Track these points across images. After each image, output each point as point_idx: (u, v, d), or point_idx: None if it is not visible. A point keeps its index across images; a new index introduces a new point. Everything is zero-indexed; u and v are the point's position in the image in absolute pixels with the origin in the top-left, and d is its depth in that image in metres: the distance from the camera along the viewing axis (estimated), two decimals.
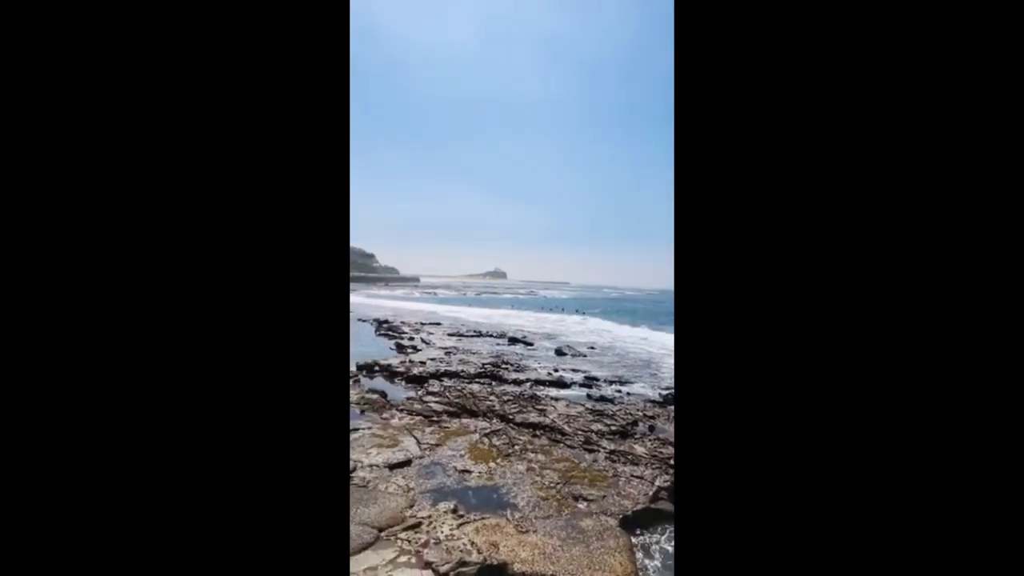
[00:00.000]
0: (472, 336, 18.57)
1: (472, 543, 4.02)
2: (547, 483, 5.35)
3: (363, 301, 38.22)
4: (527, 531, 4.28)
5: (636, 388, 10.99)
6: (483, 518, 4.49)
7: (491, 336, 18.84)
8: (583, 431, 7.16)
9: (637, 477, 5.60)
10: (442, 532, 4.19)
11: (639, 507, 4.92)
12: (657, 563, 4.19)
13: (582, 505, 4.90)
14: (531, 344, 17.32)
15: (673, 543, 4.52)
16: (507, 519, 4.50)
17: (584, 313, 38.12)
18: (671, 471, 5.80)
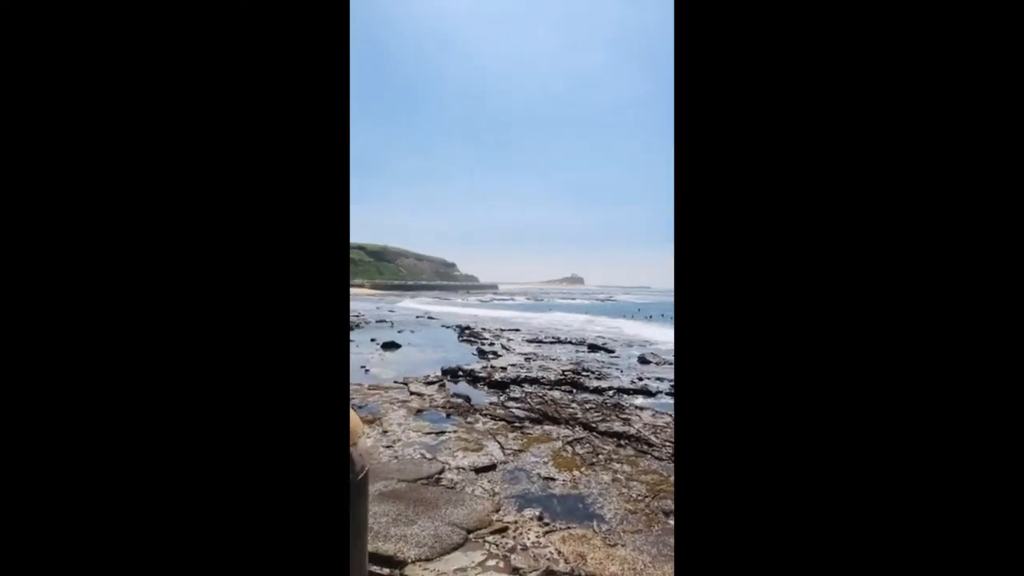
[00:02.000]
0: (551, 343, 18.54)
1: (559, 552, 3.99)
2: (634, 496, 5.16)
3: (446, 309, 39.82)
4: (615, 545, 4.15)
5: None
6: (569, 527, 4.43)
7: (570, 343, 18.67)
8: (671, 443, 6.81)
9: None
10: (528, 539, 4.20)
11: None
12: None
13: (672, 521, 4.65)
14: (612, 351, 16.89)
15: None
16: (594, 530, 4.40)
17: (667, 318, 36.40)
18: None
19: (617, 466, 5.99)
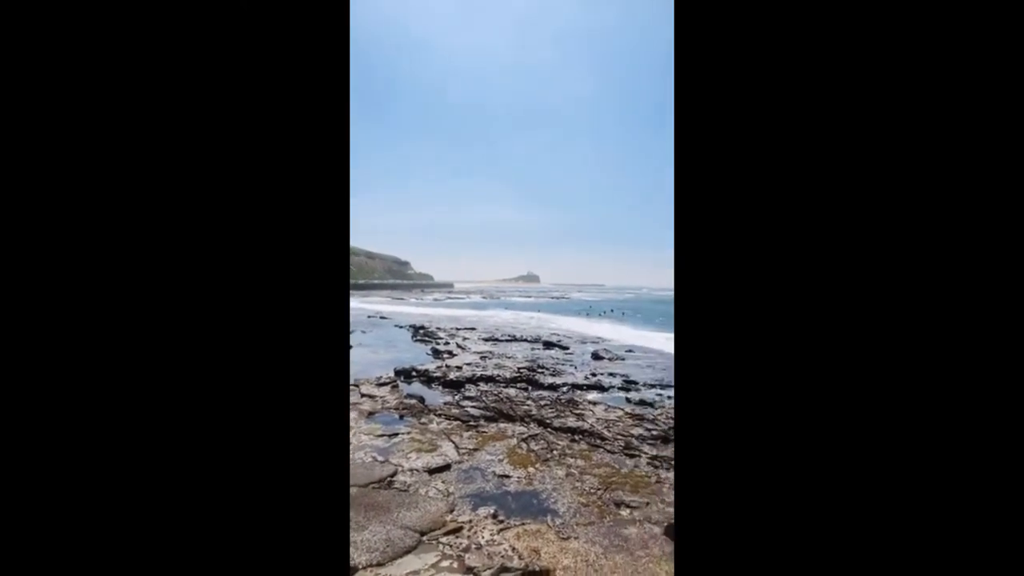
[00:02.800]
0: (507, 341, 18.59)
1: (513, 549, 3.99)
2: (587, 489, 5.26)
3: (399, 309, 39.02)
4: (568, 538, 4.21)
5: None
6: (524, 524, 4.44)
7: (526, 340, 18.80)
8: (623, 436, 7.01)
9: None
10: (483, 537, 4.18)
11: None
12: None
13: (624, 512, 4.78)
14: (567, 348, 17.16)
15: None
16: (548, 525, 4.44)
17: (620, 314, 37.52)
18: None
19: (571, 460, 6.08)
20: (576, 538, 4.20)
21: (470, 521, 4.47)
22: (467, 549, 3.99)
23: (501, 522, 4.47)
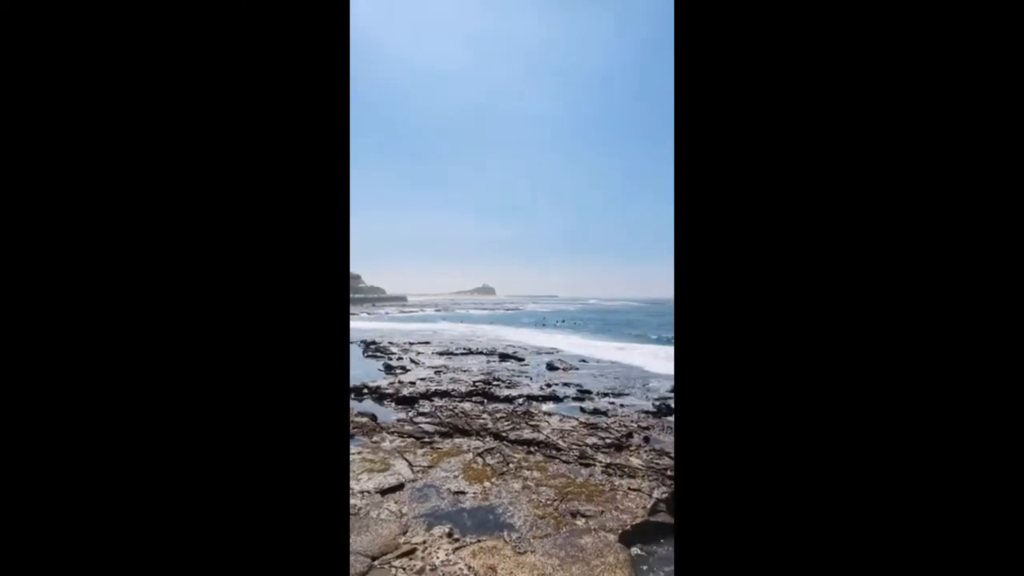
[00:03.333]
0: (462, 354, 18.40)
1: (469, 567, 3.90)
2: (544, 501, 5.25)
3: (350, 324, 37.68)
4: (525, 552, 4.17)
5: (629, 400, 10.94)
6: (479, 541, 4.36)
7: (481, 353, 18.69)
8: (578, 445, 7.07)
9: (634, 490, 5.52)
10: (438, 558, 4.06)
11: (638, 520, 4.83)
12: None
13: (580, 522, 4.80)
14: (522, 360, 17.21)
15: (673, 554, 4.44)
16: (504, 540, 4.38)
17: (572, 325, 38.18)
18: (668, 482, 5.73)
19: (527, 473, 6.06)
20: (533, 552, 4.17)
21: (424, 542, 4.33)
22: (421, 571, 3.86)
23: (456, 540, 4.36)
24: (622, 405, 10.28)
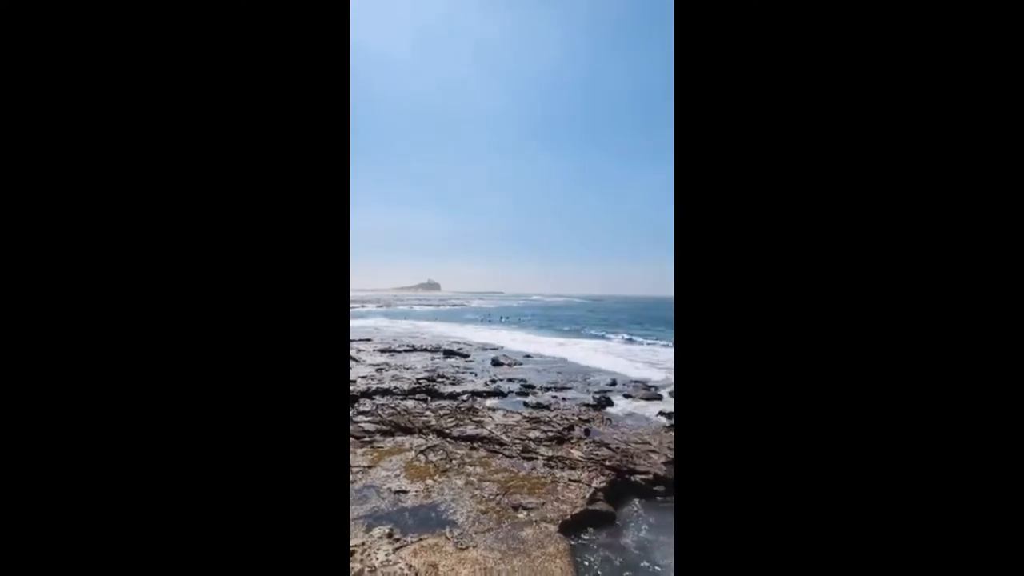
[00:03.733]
0: (405, 351, 18.02)
1: (410, 567, 3.84)
2: (486, 496, 5.27)
3: None
4: (467, 548, 4.17)
5: (571, 393, 11.24)
6: (421, 539, 4.31)
7: (426, 350, 18.41)
8: (521, 440, 7.17)
9: (575, 481, 5.69)
10: (377, 559, 3.96)
11: (577, 510, 4.99)
12: (596, 562, 4.26)
13: (522, 514, 4.88)
14: (467, 356, 17.15)
15: (618, 543, 4.63)
16: (446, 537, 4.36)
17: (517, 321, 38.58)
18: (607, 472, 5.96)
19: (470, 469, 6.06)
20: (475, 547, 4.18)
21: (363, 544, 4.21)
22: (360, 574, 3.75)
23: (397, 540, 4.29)
24: (564, 399, 10.53)
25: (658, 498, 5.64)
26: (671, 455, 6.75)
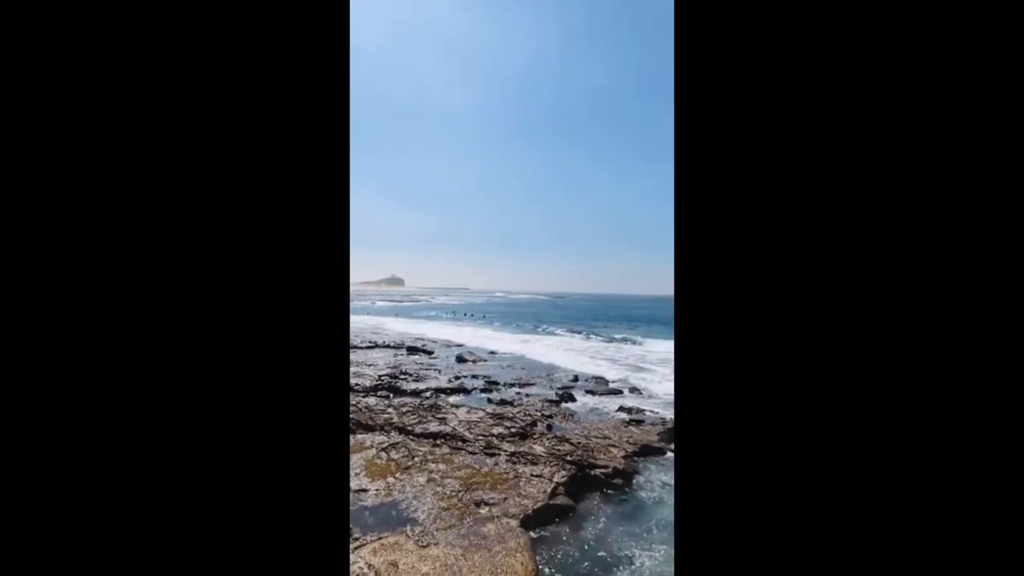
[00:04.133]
0: (367, 348, 17.67)
1: (369, 565, 3.80)
2: (448, 492, 5.27)
3: None
4: (428, 545, 4.17)
5: (535, 390, 11.36)
6: (380, 538, 4.27)
7: (389, 346, 18.11)
8: (484, 436, 7.20)
9: (536, 476, 5.77)
10: None
11: (539, 505, 5.07)
12: (556, 555, 4.35)
13: (484, 510, 4.91)
14: (431, 352, 17.01)
15: (577, 535, 4.74)
16: (407, 535, 4.33)
17: (482, 317, 38.55)
18: (568, 467, 6.08)
19: (432, 466, 6.04)
20: (436, 544, 4.18)
21: None
22: None
23: (356, 539, 4.23)
24: (528, 395, 10.64)
25: (616, 491, 5.81)
26: (629, 449, 6.96)
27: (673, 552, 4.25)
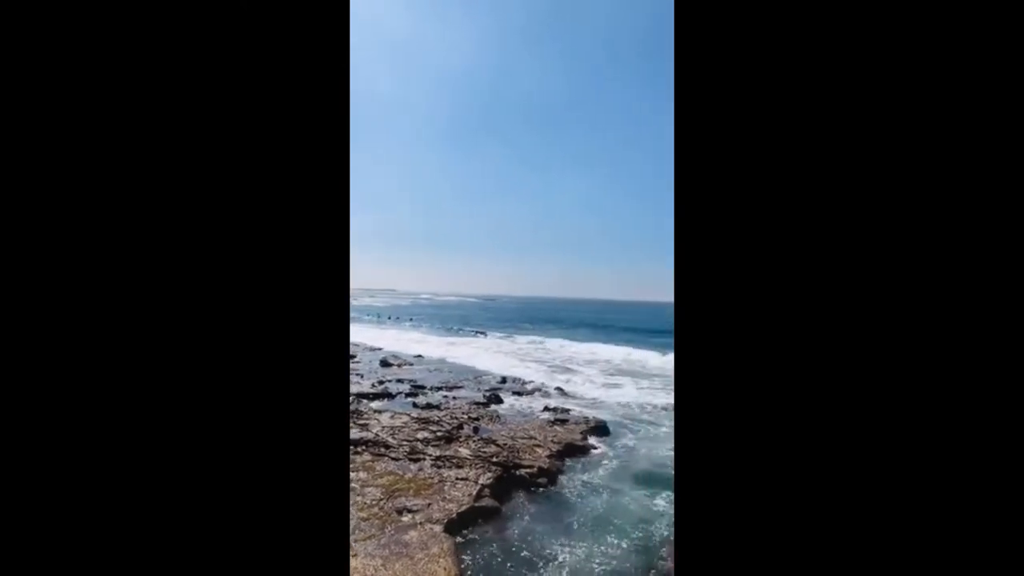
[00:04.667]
0: None
1: None
2: (369, 502, 5.05)
3: None
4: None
5: (462, 392, 11.27)
6: None
7: None
8: (408, 441, 7.00)
9: (462, 479, 5.71)
10: None
11: (464, 508, 5.01)
12: (480, 557, 4.32)
13: (406, 517, 4.76)
14: (353, 356, 16.26)
15: (502, 536, 4.74)
16: None
17: (407, 320, 37.66)
18: (494, 468, 6.08)
19: (353, 475, 5.75)
20: (355, 556, 3.98)
21: None
22: None
23: None
24: (455, 398, 10.52)
25: (541, 490, 5.91)
26: (554, 448, 7.12)
27: (595, 548, 4.39)
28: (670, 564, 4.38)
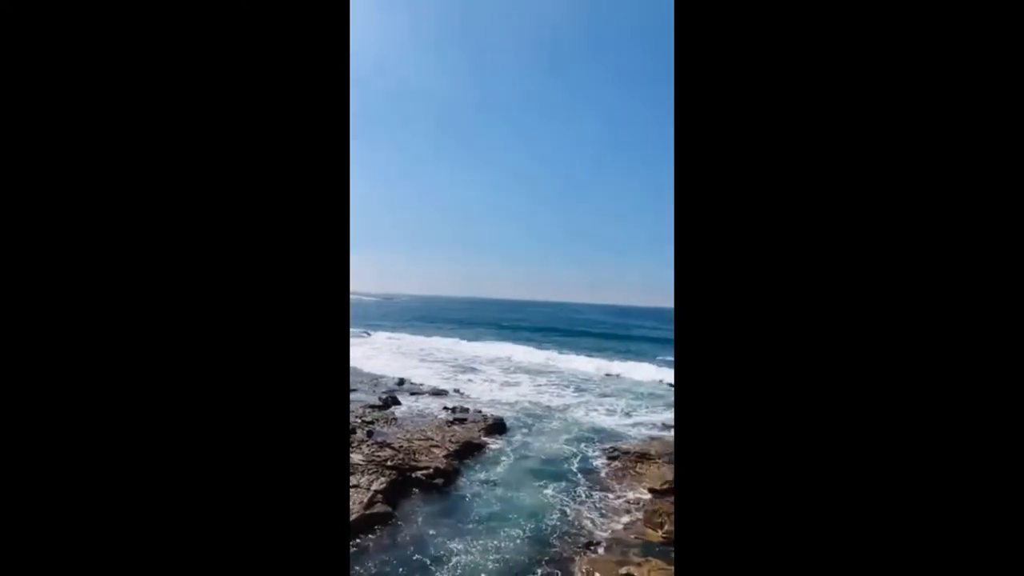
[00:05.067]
0: None
1: None
2: None
3: None
4: None
5: (357, 396, 10.74)
6: None
7: None
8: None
9: (353, 487, 5.45)
10: None
11: (354, 517, 4.79)
12: (371, 566, 4.17)
13: None
14: None
15: (394, 542, 4.59)
16: None
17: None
18: (388, 472, 5.89)
19: None
20: None
21: None
22: None
23: None
24: (351, 400, 9.98)
25: (437, 491, 5.86)
26: (452, 448, 7.10)
27: (489, 544, 4.45)
28: (560, 551, 4.62)
